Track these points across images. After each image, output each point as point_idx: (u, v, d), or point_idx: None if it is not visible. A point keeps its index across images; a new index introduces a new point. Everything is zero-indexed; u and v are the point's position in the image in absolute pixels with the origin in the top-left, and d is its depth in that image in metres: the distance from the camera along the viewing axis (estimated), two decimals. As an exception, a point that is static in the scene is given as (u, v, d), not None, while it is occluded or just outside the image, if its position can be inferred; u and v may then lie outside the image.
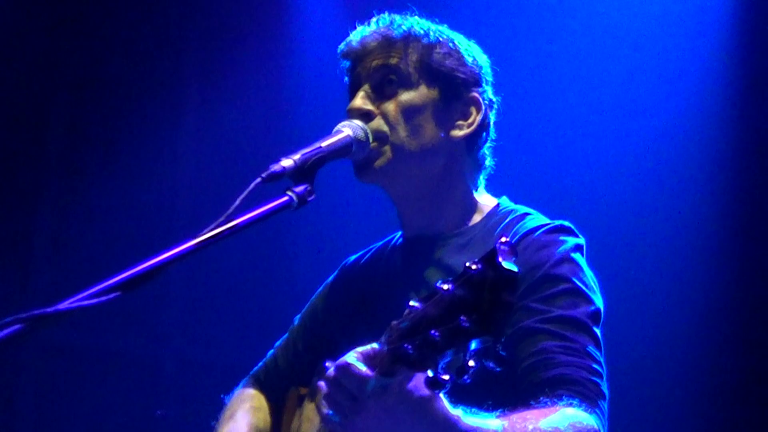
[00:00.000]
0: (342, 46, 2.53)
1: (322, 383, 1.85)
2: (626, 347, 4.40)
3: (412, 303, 1.67)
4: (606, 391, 2.16)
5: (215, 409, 2.73)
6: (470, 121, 2.45)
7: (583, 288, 2.25)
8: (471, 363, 1.56)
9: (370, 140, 2.35)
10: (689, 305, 4.74)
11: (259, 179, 2.06)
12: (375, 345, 1.80)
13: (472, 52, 2.50)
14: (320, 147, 2.20)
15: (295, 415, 2.60)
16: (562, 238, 2.31)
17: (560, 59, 5.01)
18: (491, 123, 2.51)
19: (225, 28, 5.85)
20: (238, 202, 1.98)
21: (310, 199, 2.10)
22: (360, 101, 2.41)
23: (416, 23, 2.48)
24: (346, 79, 2.54)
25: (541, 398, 2.07)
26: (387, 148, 2.37)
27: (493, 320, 1.54)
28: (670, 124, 4.87)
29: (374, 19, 2.52)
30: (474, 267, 1.56)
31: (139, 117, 5.77)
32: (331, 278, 2.75)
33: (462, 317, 1.54)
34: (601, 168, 4.90)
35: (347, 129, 2.32)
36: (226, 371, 5.10)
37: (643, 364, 4.67)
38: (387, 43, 2.44)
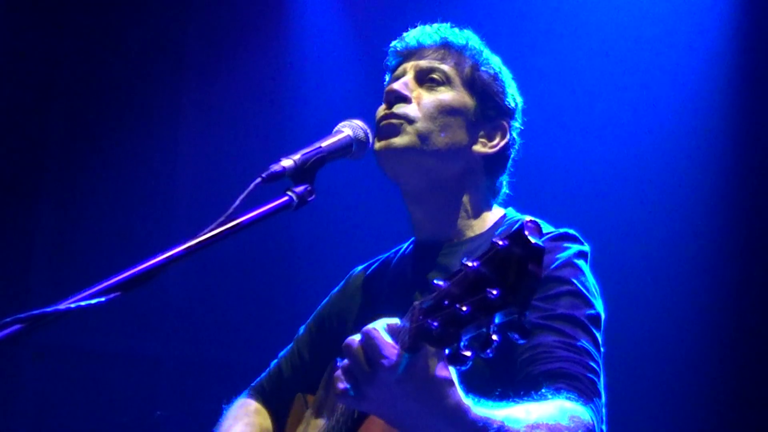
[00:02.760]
0: (396, 43, 2.60)
1: (348, 342, 1.82)
2: (629, 351, 4.41)
3: (436, 281, 1.66)
4: (602, 390, 2.18)
5: (215, 409, 2.73)
6: (494, 143, 2.52)
7: (585, 291, 2.27)
8: (494, 337, 1.56)
9: (371, 139, 2.36)
10: (691, 310, 4.74)
11: (259, 179, 2.06)
12: (398, 320, 1.79)
13: (514, 89, 2.60)
14: (320, 147, 2.21)
15: (301, 420, 2.60)
16: (565, 244, 2.34)
17: (560, 64, 5.02)
18: (511, 157, 2.59)
19: (225, 28, 5.86)
20: (238, 202, 1.98)
21: (310, 199, 2.11)
22: (400, 85, 2.48)
23: (474, 40, 2.59)
24: (389, 76, 2.58)
25: (541, 390, 2.08)
26: (412, 130, 2.42)
27: (519, 291, 1.54)
28: (671, 130, 4.87)
29: (435, 25, 2.60)
30: (501, 243, 1.56)
31: (139, 117, 5.78)
32: (337, 288, 2.77)
33: (489, 289, 1.55)
34: (604, 174, 4.91)
35: (347, 129, 2.32)
36: (225, 371, 5.13)
37: (646, 368, 4.68)
38: (444, 47, 2.54)
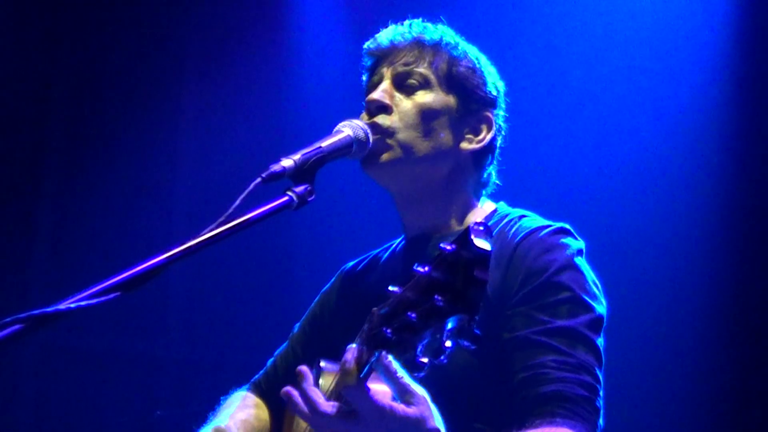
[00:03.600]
0: (370, 43, 2.57)
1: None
2: (626, 348, 4.40)
3: (391, 288, 1.66)
4: (600, 406, 2.17)
5: (215, 409, 2.73)
6: (480, 137, 2.50)
7: (585, 296, 2.25)
8: (447, 343, 1.55)
9: (371, 139, 2.36)
10: (688, 306, 4.74)
11: (259, 179, 2.06)
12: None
13: (493, 76, 2.56)
14: (320, 147, 2.21)
15: (296, 417, 2.60)
16: (564, 241, 2.32)
17: (560, 61, 5.02)
18: (498, 146, 2.57)
19: (225, 28, 5.86)
20: (238, 202, 1.98)
21: (310, 199, 2.11)
22: (379, 94, 2.44)
23: (448, 34, 2.54)
24: (366, 76, 2.56)
25: (538, 417, 2.08)
26: (394, 143, 2.40)
27: (466, 298, 1.53)
28: (668, 126, 4.87)
29: (407, 22, 2.57)
30: (449, 248, 1.56)
31: (139, 117, 5.77)
32: (329, 285, 2.77)
33: (436, 296, 1.54)
34: (600, 170, 4.90)
35: (347, 129, 2.32)
36: (226, 371, 5.12)
37: (642, 365, 4.67)
38: (417, 46, 2.50)
